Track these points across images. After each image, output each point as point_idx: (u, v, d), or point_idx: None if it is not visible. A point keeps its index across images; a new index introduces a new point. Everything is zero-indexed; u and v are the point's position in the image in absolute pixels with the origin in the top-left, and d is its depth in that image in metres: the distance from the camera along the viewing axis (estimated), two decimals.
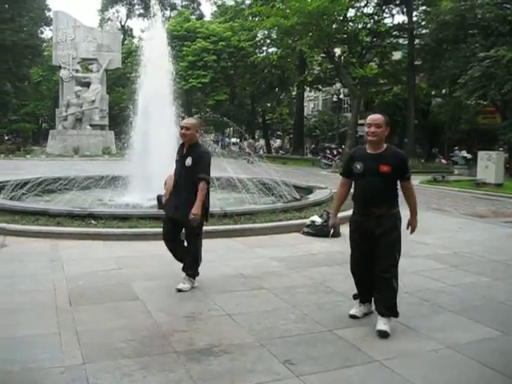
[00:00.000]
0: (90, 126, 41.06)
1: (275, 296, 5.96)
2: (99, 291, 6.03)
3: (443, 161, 36.06)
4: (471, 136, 38.60)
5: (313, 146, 56.67)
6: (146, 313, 5.37)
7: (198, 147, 6.16)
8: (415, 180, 14.51)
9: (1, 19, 47.70)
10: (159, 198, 10.81)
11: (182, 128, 6.08)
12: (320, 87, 48.14)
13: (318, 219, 9.52)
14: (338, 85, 43.82)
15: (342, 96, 46.57)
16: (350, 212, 5.41)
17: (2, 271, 6.83)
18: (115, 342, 4.61)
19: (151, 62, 15.09)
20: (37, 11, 51.90)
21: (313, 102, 68.14)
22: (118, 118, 54.00)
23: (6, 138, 72.86)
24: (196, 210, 5.86)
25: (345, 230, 9.33)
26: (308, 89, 50.16)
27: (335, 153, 35.09)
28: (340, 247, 8.48)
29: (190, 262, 6.18)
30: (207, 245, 8.40)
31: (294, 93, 51.57)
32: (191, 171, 5.98)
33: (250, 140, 44.60)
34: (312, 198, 12.37)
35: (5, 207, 10.52)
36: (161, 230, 8.90)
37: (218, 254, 7.95)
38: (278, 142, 74.69)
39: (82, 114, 41.12)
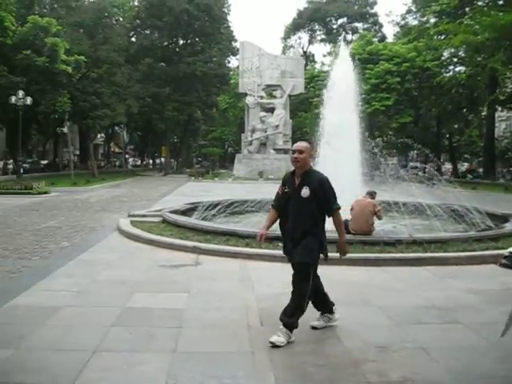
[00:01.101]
0: (274, 150, 42.49)
1: (472, 332, 5.50)
2: None
3: None
4: None
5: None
6: (336, 338, 5.27)
7: (315, 173, 5.30)
8: None
9: (193, 52, 51.84)
10: (345, 222, 10.78)
11: (293, 152, 5.24)
12: None
13: None
14: None
15: None
16: None
17: (199, 288, 7.24)
18: (306, 365, 4.59)
19: (336, 85, 15.20)
20: (225, 42, 55.57)
21: (505, 122, 63.74)
22: None
23: (195, 161, 78.65)
24: (344, 246, 5.49)
25: None
26: (500, 108, 46.99)
27: None
28: None
29: (290, 309, 5.21)
30: (397, 272, 8.18)
31: (483, 113, 48.71)
32: (309, 203, 5.16)
33: (431, 163, 42.80)
34: (509, 226, 11.39)
35: (197, 227, 11.22)
36: (347, 255, 8.89)
37: (408, 282, 7.64)
38: (466, 165, 71.00)
39: (266, 139, 42.73)
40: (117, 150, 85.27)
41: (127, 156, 74.63)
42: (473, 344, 5.16)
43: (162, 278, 7.81)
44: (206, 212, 13.66)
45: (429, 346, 5.07)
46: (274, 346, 4.95)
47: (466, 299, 6.78)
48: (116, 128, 65.76)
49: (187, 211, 14.18)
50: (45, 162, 53.73)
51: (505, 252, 8.83)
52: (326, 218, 5.37)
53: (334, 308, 5.65)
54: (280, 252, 9.15)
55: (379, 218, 10.51)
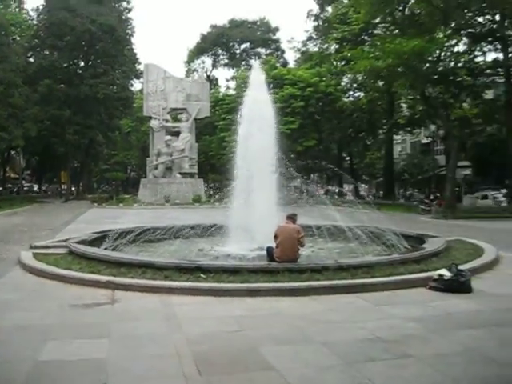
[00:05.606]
0: (180, 174, 41.69)
1: (428, 366, 5.12)
2: (227, 357, 5.43)
3: None
4: None
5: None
6: None
7: None
8: None
9: (95, 73, 50.32)
10: (269, 249, 10.34)
11: None
12: (410, 130, 47.02)
13: (446, 273, 8.60)
14: (433, 127, 42.39)
15: (428, 140, 45.00)
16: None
17: (120, 331, 6.41)
18: None
19: (250, 109, 14.85)
20: (128, 65, 54.42)
21: (400, 145, 66.43)
22: (205, 166, 54.90)
23: (97, 186, 76.20)
24: None
25: (477, 284, 8.51)
26: (396, 132, 49.03)
27: (432, 197, 33.69)
28: (476, 305, 7.59)
29: None
30: (329, 301, 7.76)
31: (380, 136, 50.52)
32: None
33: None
34: (429, 248, 11.35)
35: (109, 259, 10.33)
36: (275, 284, 8.44)
37: (345, 313, 7.21)
38: (363, 186, 73.50)
39: (172, 163, 41.88)
40: (13, 175, 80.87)
41: (24, 182, 70.96)
42: (432, 381, 4.80)
43: (75, 321, 6.88)
44: (117, 241, 12.75)
45: None
46: None
47: (408, 328, 6.43)
48: (12, 152, 62.25)
49: (95, 241, 13.14)
50: None
51: (434, 275, 8.84)
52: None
53: None
54: (203, 284, 8.59)
55: (302, 245, 10.17)
